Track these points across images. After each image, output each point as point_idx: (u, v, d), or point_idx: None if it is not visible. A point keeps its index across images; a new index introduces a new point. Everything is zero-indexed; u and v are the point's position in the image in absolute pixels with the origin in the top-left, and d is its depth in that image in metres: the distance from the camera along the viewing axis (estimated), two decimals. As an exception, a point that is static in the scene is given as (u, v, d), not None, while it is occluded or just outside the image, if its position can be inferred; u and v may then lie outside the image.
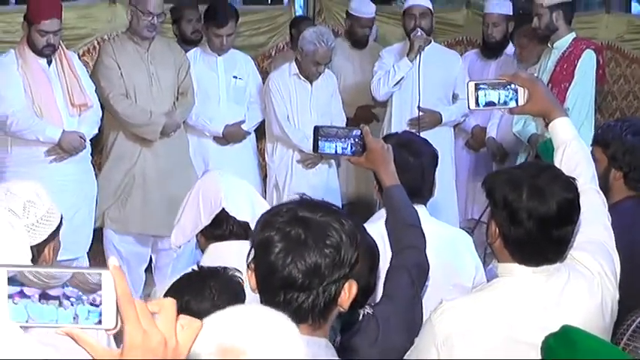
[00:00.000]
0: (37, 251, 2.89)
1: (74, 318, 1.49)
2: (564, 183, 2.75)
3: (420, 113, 6.85)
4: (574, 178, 2.80)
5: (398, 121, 6.92)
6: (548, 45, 6.22)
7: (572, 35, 6.18)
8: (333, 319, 2.26)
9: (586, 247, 2.89)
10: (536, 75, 6.07)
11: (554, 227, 2.72)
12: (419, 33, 6.74)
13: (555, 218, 2.70)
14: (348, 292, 2.19)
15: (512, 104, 3.10)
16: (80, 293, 1.50)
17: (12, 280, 1.49)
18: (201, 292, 2.87)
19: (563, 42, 6.13)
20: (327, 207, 2.25)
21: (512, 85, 3.08)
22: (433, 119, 6.93)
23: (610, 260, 2.92)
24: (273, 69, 7.14)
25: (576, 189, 2.76)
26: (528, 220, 2.70)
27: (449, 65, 7.10)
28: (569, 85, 5.99)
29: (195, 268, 3.14)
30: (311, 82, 6.60)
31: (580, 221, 2.80)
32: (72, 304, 1.49)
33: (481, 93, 3.09)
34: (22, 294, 1.49)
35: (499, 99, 3.09)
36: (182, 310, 1.56)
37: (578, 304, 2.80)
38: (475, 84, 3.10)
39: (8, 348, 1.55)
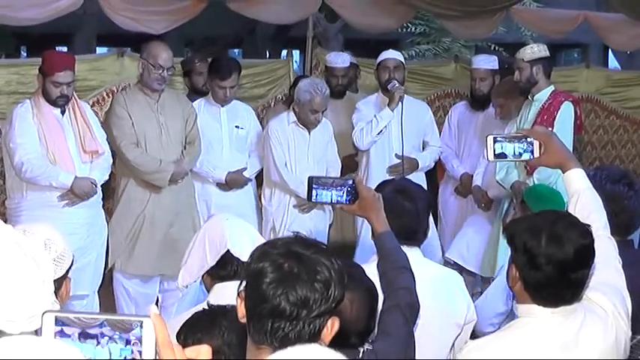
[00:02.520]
0: (57, 285, 3.02)
1: (110, 354, 1.60)
2: (580, 230, 2.86)
3: (398, 161, 7.00)
4: (589, 225, 2.91)
5: (377, 169, 7.05)
6: (529, 97, 6.42)
7: (552, 88, 6.41)
8: None
9: (600, 288, 2.98)
10: (516, 126, 6.35)
11: (571, 271, 2.82)
12: (397, 84, 6.91)
13: (572, 262, 2.81)
14: (331, 328, 2.27)
15: (527, 156, 3.24)
16: (116, 332, 1.60)
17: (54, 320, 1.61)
18: (212, 330, 2.92)
19: (543, 94, 6.35)
20: (319, 245, 2.34)
21: (529, 139, 3.19)
22: (411, 165, 7.11)
23: (622, 300, 3.01)
24: (266, 123, 7.18)
25: (591, 235, 2.87)
26: (547, 264, 2.81)
27: (420, 114, 7.29)
28: (549, 135, 6.21)
29: (206, 306, 3.19)
30: (309, 131, 6.71)
31: (594, 264, 2.90)
32: (107, 343, 1.60)
33: (498, 146, 3.20)
34: (62, 333, 1.60)
35: (514, 151, 3.20)
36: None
37: (595, 342, 2.88)
38: (493, 137, 3.22)
39: None
